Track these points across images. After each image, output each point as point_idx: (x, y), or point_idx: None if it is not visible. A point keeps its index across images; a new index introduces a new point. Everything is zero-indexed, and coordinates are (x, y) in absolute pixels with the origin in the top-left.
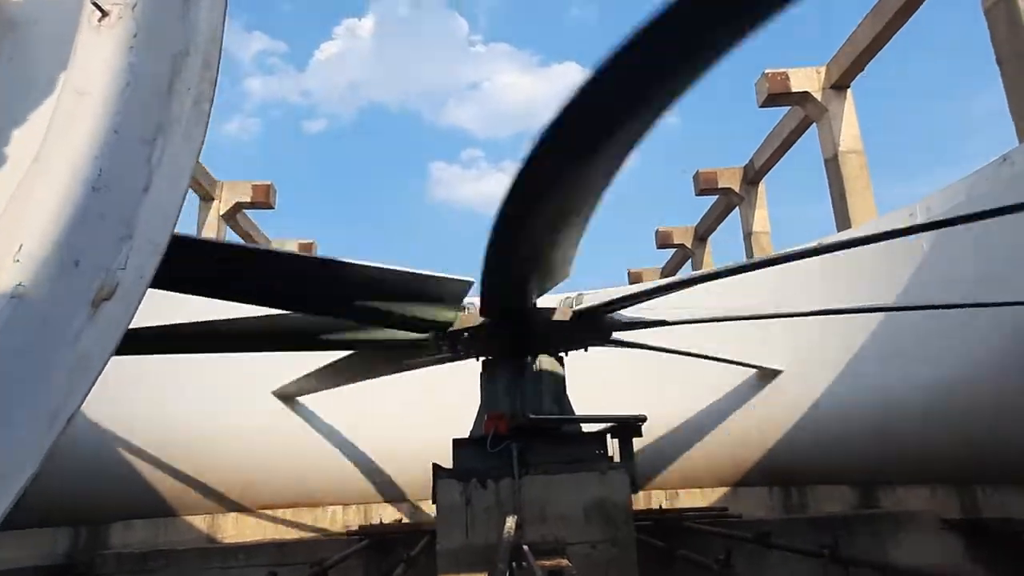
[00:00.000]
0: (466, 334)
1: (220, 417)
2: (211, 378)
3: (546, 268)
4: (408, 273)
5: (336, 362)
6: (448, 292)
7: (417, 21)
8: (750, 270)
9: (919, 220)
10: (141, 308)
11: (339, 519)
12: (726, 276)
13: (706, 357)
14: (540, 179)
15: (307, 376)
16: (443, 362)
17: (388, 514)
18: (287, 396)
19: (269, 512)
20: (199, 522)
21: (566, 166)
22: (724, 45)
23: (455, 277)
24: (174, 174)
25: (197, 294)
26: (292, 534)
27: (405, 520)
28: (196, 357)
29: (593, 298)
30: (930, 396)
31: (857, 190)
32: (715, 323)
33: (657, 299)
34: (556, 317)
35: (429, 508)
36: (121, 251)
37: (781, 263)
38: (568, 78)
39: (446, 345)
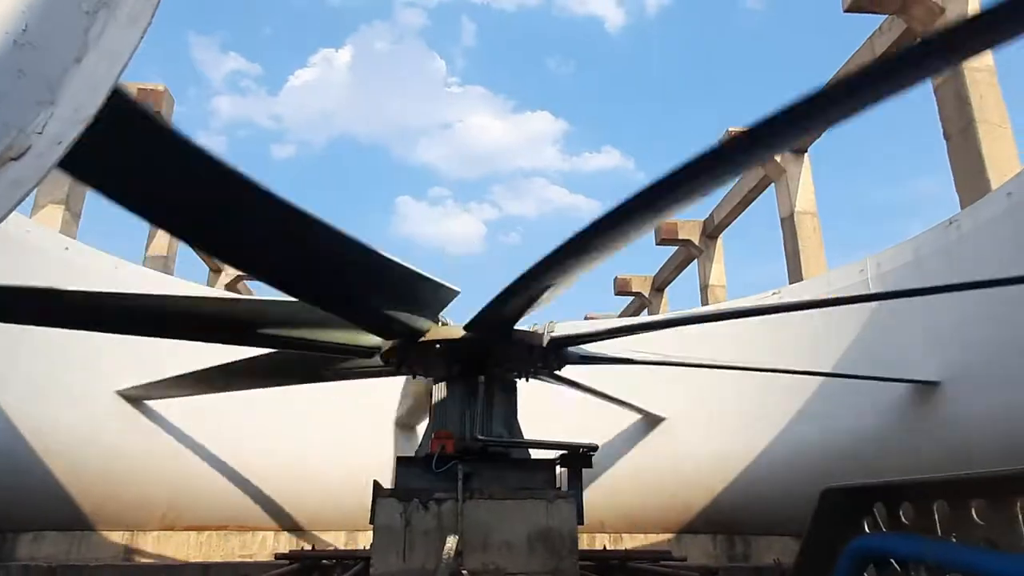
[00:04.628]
0: (438, 346)
1: (138, 427)
2: (120, 382)
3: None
4: (401, 264)
5: (238, 362)
6: (435, 299)
7: (395, 57)
8: (722, 319)
9: (869, 275)
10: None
11: (269, 545)
12: (706, 322)
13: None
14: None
15: (172, 379)
16: (372, 376)
17: (322, 543)
18: (135, 398)
19: (194, 533)
20: (117, 538)
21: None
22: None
23: (447, 283)
24: (113, 53)
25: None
26: (217, 557)
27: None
28: (120, 362)
29: (562, 329)
30: (867, 449)
31: (810, 249)
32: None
33: (612, 340)
34: (532, 342)
35: (365, 539)
36: (39, 115)
37: (741, 316)
38: (540, 126)
39: (399, 357)
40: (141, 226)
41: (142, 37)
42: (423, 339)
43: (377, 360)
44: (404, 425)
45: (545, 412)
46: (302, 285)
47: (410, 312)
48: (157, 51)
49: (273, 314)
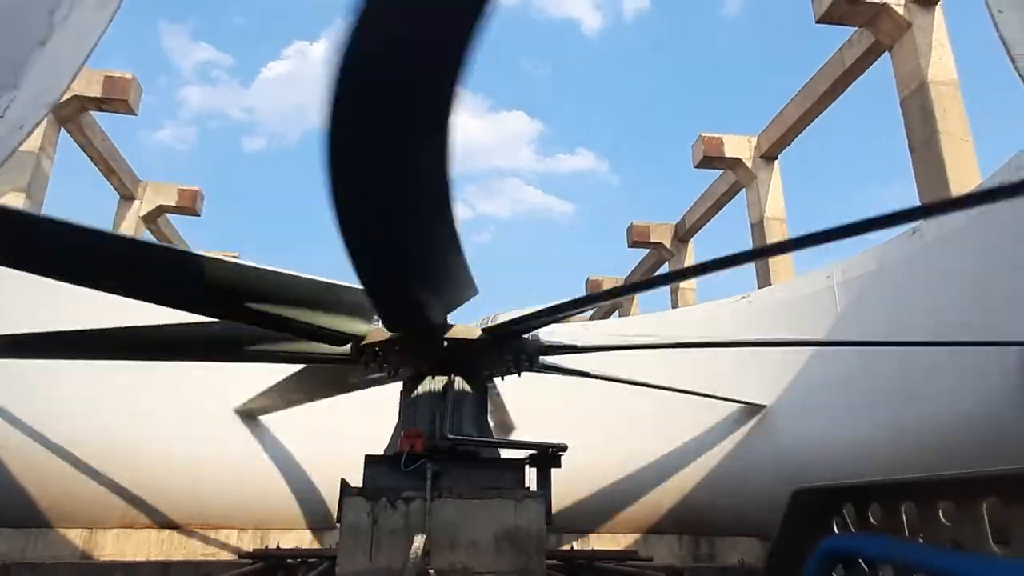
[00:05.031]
0: (376, 348)
1: (104, 424)
2: (96, 380)
3: (433, 281)
4: (312, 280)
5: (287, 379)
6: (353, 303)
7: None
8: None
9: (836, 281)
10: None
11: (232, 544)
12: (655, 287)
13: (648, 386)
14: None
15: (264, 393)
16: (382, 382)
17: (287, 541)
18: (249, 414)
19: (155, 531)
20: (75, 536)
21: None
22: None
23: (355, 287)
24: (78, 37)
25: (78, 283)
26: (178, 556)
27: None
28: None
29: (506, 318)
30: (830, 451)
31: (779, 255)
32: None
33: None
34: (462, 335)
35: (331, 538)
36: (2, 98)
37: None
38: (516, 126)
39: (368, 360)
40: (106, 214)
41: (111, 21)
42: (363, 343)
43: (347, 349)
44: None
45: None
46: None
47: (338, 318)
48: (125, 37)
49: (248, 334)
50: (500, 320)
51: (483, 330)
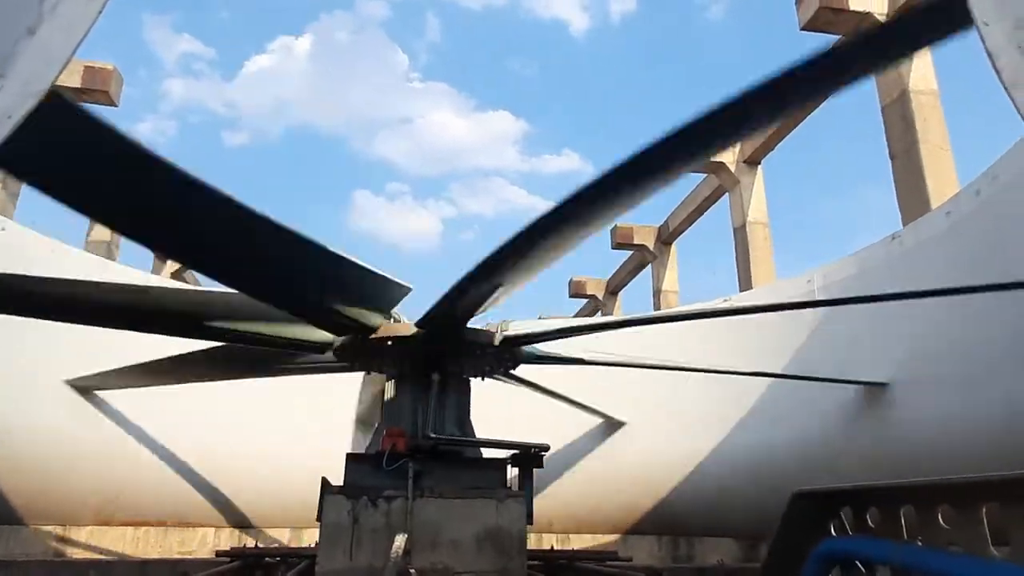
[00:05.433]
0: (390, 342)
1: (77, 418)
2: (63, 372)
3: (334, 290)
4: (351, 261)
5: (196, 353)
6: (386, 295)
7: (357, 48)
8: (676, 320)
9: (816, 286)
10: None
11: (210, 542)
12: (657, 323)
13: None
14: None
15: (121, 369)
16: (325, 372)
17: (266, 540)
18: (86, 389)
19: (131, 529)
20: (49, 533)
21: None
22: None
23: (398, 280)
24: (68, 26)
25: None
26: (155, 554)
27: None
28: (63, 351)
29: (516, 328)
30: (807, 453)
31: (760, 259)
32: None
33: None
34: (483, 340)
35: (311, 536)
36: None
37: (693, 318)
38: (501, 125)
39: (354, 353)
40: None
41: (101, 11)
42: (374, 336)
43: (330, 356)
44: (364, 422)
45: (499, 413)
46: (249, 281)
47: (360, 308)
48: (107, 28)
49: (220, 306)
50: (513, 330)
51: (504, 338)
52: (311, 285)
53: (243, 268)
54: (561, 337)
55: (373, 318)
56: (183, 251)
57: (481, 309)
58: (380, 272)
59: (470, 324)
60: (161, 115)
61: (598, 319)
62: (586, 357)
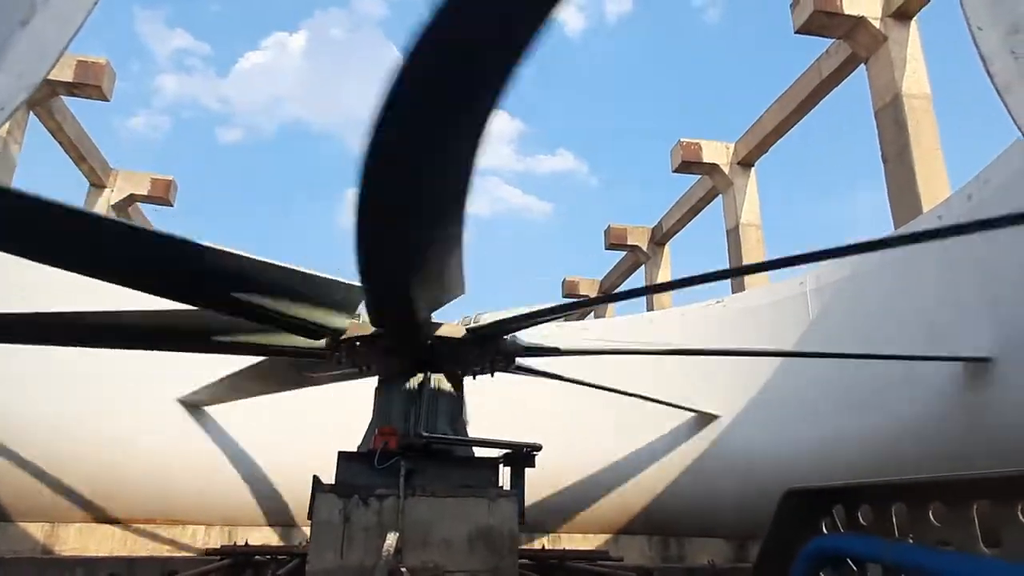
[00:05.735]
0: (357, 343)
1: (66, 416)
2: (50, 369)
3: (431, 278)
4: (293, 271)
5: (243, 370)
6: (337, 296)
7: (351, 46)
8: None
9: (808, 288)
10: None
11: (200, 540)
12: (633, 296)
13: (623, 394)
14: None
15: (214, 384)
16: (348, 378)
17: (256, 538)
18: (195, 404)
19: (120, 527)
20: (36, 531)
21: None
22: None
23: (344, 280)
24: (62, 20)
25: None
26: (143, 552)
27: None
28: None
29: (491, 318)
30: (802, 454)
31: (753, 260)
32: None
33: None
34: (447, 333)
35: (302, 535)
36: None
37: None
38: (496, 125)
39: (342, 355)
40: (75, 202)
41: (95, 5)
42: (343, 337)
43: (347, 363)
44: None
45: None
46: (203, 300)
47: (321, 311)
48: (99, 21)
49: (223, 321)
50: (483, 320)
51: (468, 330)
52: (264, 296)
53: (195, 290)
54: (531, 323)
55: (336, 320)
56: (136, 282)
57: (440, 290)
58: (322, 275)
59: (435, 319)
60: (154, 110)
61: (566, 301)
62: (581, 347)
